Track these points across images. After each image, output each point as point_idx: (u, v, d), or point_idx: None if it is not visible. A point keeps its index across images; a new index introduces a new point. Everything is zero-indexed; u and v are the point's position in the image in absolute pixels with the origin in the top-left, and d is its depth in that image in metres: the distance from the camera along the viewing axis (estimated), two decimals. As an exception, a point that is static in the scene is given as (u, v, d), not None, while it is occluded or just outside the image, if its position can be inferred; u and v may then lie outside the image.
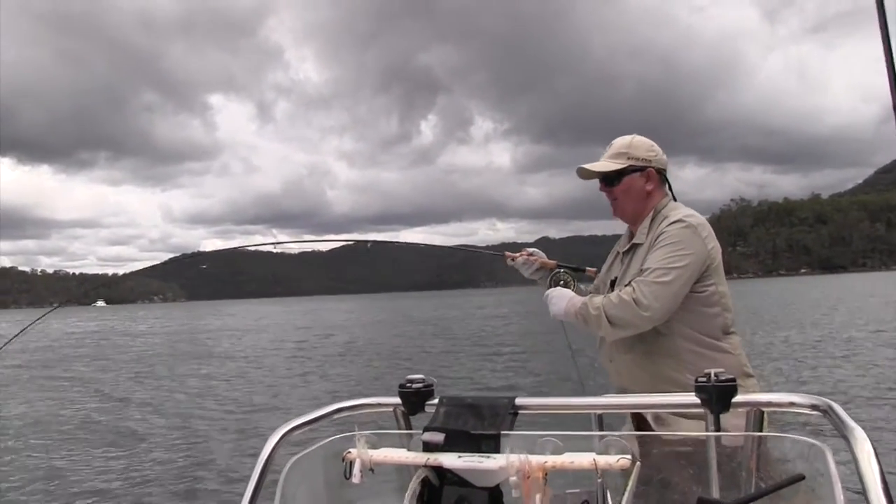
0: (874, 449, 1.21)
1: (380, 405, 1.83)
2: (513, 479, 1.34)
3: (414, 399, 1.73)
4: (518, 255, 3.16)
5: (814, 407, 1.43)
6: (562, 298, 2.83)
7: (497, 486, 1.44)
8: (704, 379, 1.50)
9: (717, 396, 1.49)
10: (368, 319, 59.42)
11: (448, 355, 23.09)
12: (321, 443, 1.63)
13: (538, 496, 1.33)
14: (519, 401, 1.58)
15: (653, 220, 2.80)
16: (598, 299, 2.68)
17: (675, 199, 2.91)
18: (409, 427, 1.78)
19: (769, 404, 1.53)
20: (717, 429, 1.54)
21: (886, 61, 1.86)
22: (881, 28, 1.86)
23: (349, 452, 1.53)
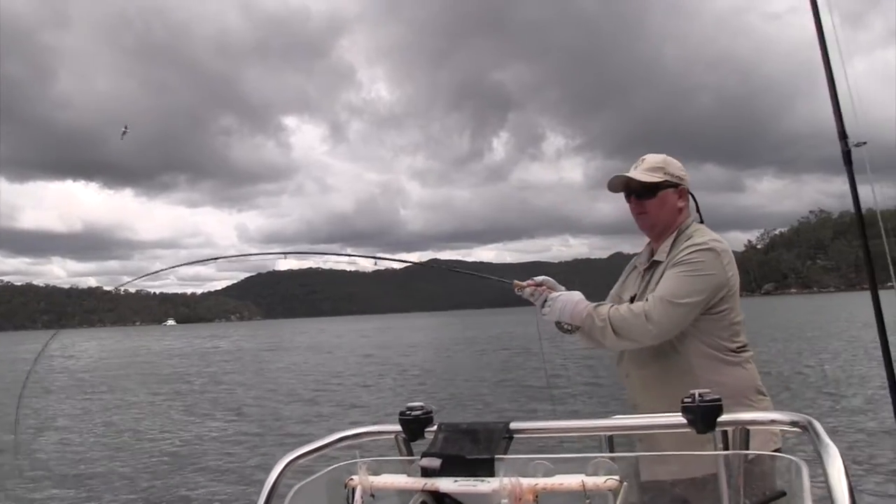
0: (845, 467, 1.24)
1: (381, 433, 1.89)
2: (504, 501, 1.39)
3: (414, 426, 1.78)
4: (525, 284, 2.94)
5: (794, 423, 1.47)
6: (569, 301, 2.76)
7: None
8: (689, 399, 1.53)
9: (703, 416, 1.51)
10: (435, 337, 59.58)
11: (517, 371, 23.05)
12: (324, 471, 1.68)
13: None
14: (514, 425, 1.63)
15: (675, 239, 2.80)
16: (605, 308, 2.67)
17: (702, 222, 2.90)
18: (410, 453, 1.83)
19: (753, 422, 1.57)
20: (723, 448, 1.58)
21: None
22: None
23: (351, 479, 1.58)
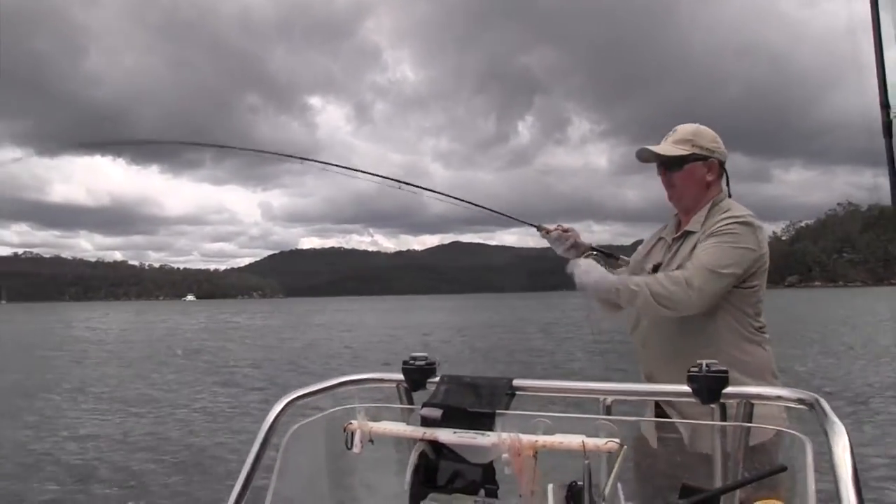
0: (850, 444, 1.25)
1: (383, 380, 1.89)
2: (504, 455, 1.43)
3: (416, 376, 1.79)
4: (553, 228, 2.99)
5: (800, 401, 1.47)
6: (592, 270, 2.71)
7: (491, 463, 1.52)
8: (696, 369, 1.53)
9: (707, 386, 1.52)
10: (460, 319, 59.68)
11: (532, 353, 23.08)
12: (324, 413, 1.72)
13: (529, 473, 1.40)
14: (517, 382, 1.65)
15: (710, 211, 2.74)
16: (640, 277, 2.63)
17: (730, 196, 2.83)
18: (410, 403, 1.83)
19: (758, 396, 1.57)
20: (719, 419, 1.59)
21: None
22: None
23: (350, 423, 1.61)
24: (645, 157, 2.85)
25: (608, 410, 1.76)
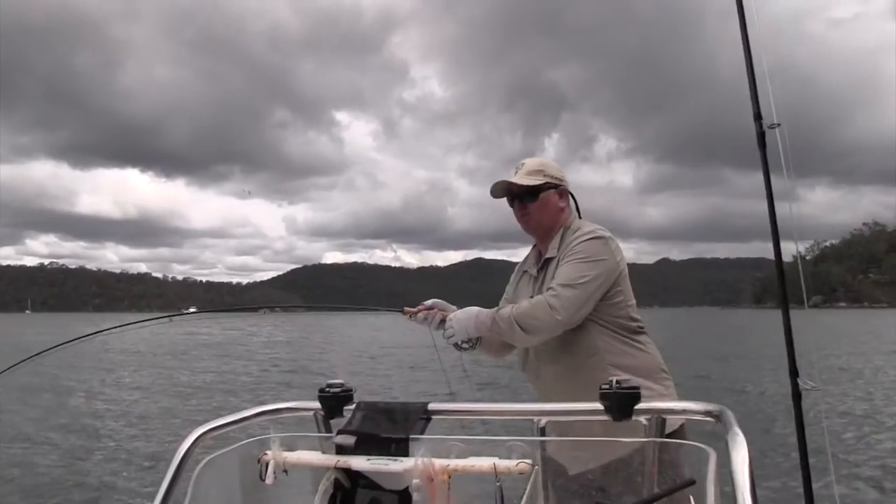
0: (749, 456, 1.28)
1: (300, 409, 1.90)
2: (416, 481, 1.43)
3: (332, 403, 1.78)
4: (416, 310, 2.93)
5: (707, 413, 1.50)
6: (468, 319, 2.75)
7: (406, 489, 1.51)
8: (607, 386, 1.52)
9: (619, 403, 1.52)
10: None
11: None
12: (237, 444, 1.69)
13: (443, 498, 1.40)
14: (431, 406, 1.66)
15: (563, 235, 2.86)
16: (507, 309, 2.70)
17: (580, 217, 2.97)
18: (328, 431, 1.82)
19: (668, 411, 1.59)
20: (633, 435, 1.60)
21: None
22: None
23: (265, 454, 1.61)
24: (498, 191, 2.95)
25: (542, 433, 1.75)
